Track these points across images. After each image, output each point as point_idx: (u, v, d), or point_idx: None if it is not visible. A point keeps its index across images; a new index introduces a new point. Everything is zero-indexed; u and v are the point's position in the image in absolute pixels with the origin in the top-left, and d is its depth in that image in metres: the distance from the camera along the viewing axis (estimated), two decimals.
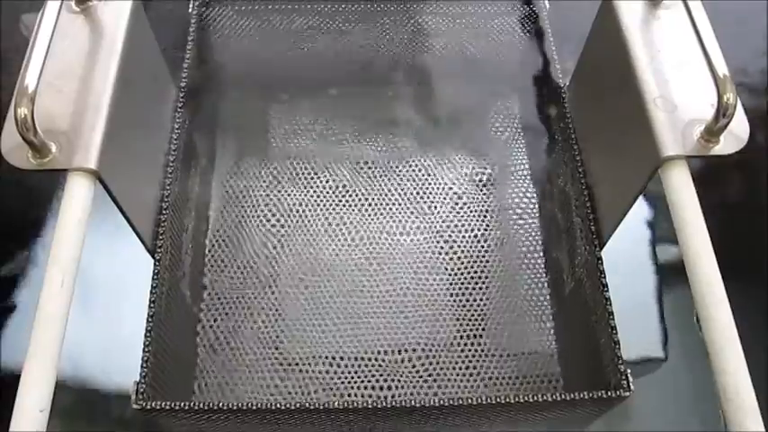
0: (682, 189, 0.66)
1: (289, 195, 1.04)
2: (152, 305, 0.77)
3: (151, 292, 0.77)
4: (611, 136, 0.82)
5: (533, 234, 1.02)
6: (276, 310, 0.96)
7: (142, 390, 0.72)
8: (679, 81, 0.71)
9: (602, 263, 0.82)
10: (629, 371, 0.75)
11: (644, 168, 0.71)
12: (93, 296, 1.00)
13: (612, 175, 0.82)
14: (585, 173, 0.88)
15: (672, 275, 1.11)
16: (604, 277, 0.81)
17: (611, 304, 0.79)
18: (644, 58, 0.73)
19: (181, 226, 0.89)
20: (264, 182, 1.06)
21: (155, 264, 0.80)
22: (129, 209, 0.73)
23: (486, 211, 1.04)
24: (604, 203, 0.83)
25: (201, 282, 0.96)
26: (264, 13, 1.08)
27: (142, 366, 0.73)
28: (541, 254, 1.01)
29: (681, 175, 0.67)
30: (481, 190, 1.05)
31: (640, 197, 0.77)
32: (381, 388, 0.91)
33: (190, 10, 1.01)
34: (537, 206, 1.03)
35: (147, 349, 0.74)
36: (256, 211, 1.03)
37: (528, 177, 1.05)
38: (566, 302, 0.93)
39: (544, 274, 0.99)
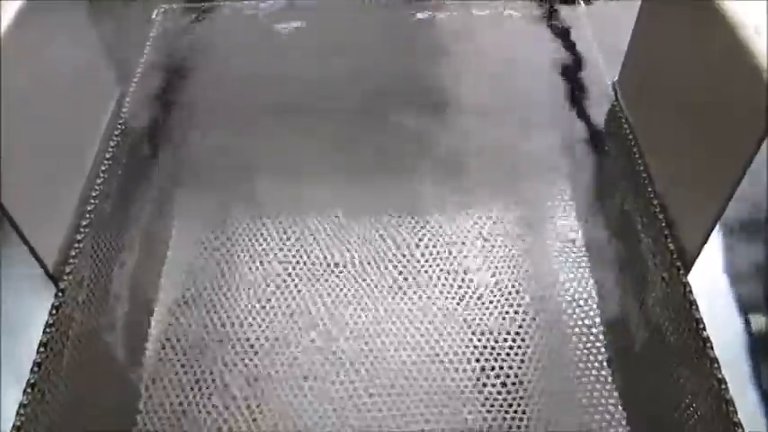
0: None
1: (269, 244, 0.82)
2: (42, 348, 0.53)
3: (44, 332, 0.54)
4: (686, 120, 0.60)
5: (584, 276, 0.77)
6: (251, 381, 0.70)
7: None
8: None
9: (691, 291, 0.57)
10: None
11: (749, 133, 0.48)
12: None
13: (693, 169, 0.59)
14: (652, 179, 0.65)
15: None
16: (697, 309, 0.56)
17: (712, 348, 0.53)
18: None
19: (110, 258, 0.67)
20: (240, 226, 0.83)
21: (56, 294, 0.57)
22: (24, 217, 0.52)
23: (520, 255, 0.79)
24: (684, 212, 0.60)
25: (144, 340, 0.72)
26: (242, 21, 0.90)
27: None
28: (596, 300, 0.75)
29: None
30: (513, 228, 0.81)
31: None
32: None
33: (153, 16, 0.85)
34: (583, 240, 0.78)
35: (23, 411, 0.50)
36: (232, 258, 0.80)
37: (570, 205, 0.81)
38: (637, 362, 0.67)
39: (602, 328, 0.73)
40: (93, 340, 0.62)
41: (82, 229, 0.61)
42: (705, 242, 0.57)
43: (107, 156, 0.68)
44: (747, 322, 0.81)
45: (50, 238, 0.58)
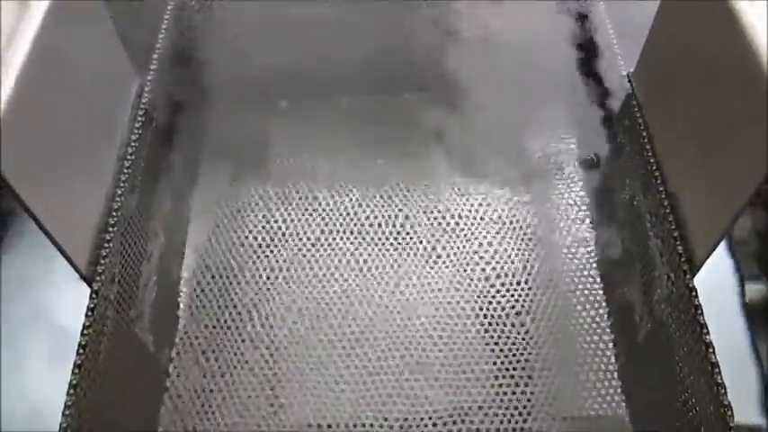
0: None
1: (287, 223, 0.84)
2: (81, 350, 0.56)
3: (82, 334, 0.57)
4: (703, 120, 0.61)
5: (590, 265, 0.80)
6: (270, 367, 0.74)
7: None
8: None
9: (696, 296, 0.59)
10: None
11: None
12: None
13: (708, 171, 0.60)
14: (664, 178, 0.67)
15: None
16: (701, 315, 0.58)
17: (714, 353, 0.56)
18: None
19: (138, 251, 0.70)
20: (257, 206, 0.86)
21: (91, 296, 0.60)
22: (53, 221, 0.54)
23: (530, 238, 0.82)
24: (696, 214, 0.62)
25: (171, 325, 0.76)
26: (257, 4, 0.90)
27: None
28: (601, 290, 0.78)
29: None
30: (523, 213, 0.84)
31: None
32: None
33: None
34: (594, 229, 0.81)
35: (68, 412, 0.54)
36: (249, 240, 0.83)
37: (581, 194, 0.84)
38: (640, 351, 0.70)
39: (607, 316, 0.76)
40: (125, 332, 0.65)
41: (111, 228, 0.63)
42: (715, 247, 0.59)
43: (130, 150, 0.69)
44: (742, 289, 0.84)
45: (80, 239, 0.60)
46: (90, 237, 0.61)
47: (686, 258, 0.61)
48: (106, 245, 0.62)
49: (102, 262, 0.61)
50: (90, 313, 0.58)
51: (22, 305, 0.76)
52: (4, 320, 0.76)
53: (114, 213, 0.64)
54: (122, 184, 0.67)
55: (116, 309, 0.63)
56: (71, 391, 0.54)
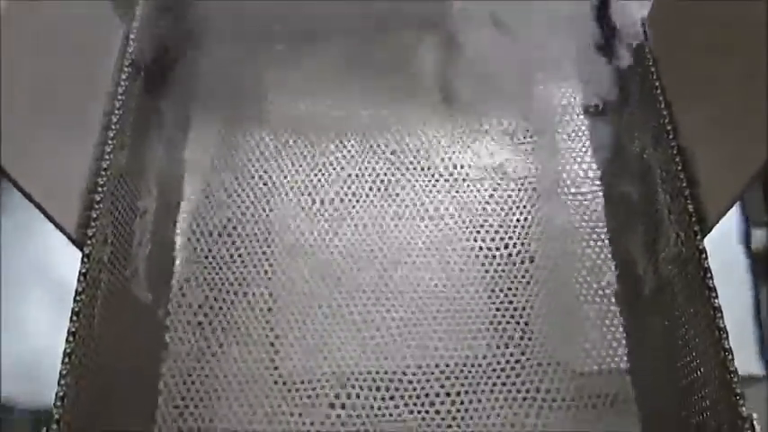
0: None
1: (285, 173, 0.82)
2: (75, 317, 0.55)
3: (75, 300, 0.56)
4: (719, 71, 0.58)
5: (594, 217, 0.78)
6: (271, 318, 0.73)
7: None
8: None
9: (706, 257, 0.58)
10: (754, 417, 0.51)
11: None
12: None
13: (724, 126, 0.57)
14: (677, 131, 0.64)
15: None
16: (711, 278, 0.57)
17: (722, 317, 0.55)
18: None
19: (131, 209, 0.68)
20: (254, 156, 0.83)
21: (83, 260, 0.58)
22: (36, 184, 0.51)
23: (534, 188, 0.80)
24: (709, 172, 0.59)
25: (168, 280, 0.75)
26: None
27: (56, 405, 0.52)
28: (606, 242, 0.76)
29: None
30: (526, 162, 0.81)
31: None
32: (401, 415, 0.68)
33: None
34: (600, 181, 0.78)
35: (63, 381, 0.53)
36: (245, 192, 0.80)
37: (587, 144, 0.81)
38: (643, 308, 0.69)
39: (611, 269, 0.75)
40: (120, 292, 0.64)
41: (100, 189, 0.61)
42: (728, 209, 0.57)
43: (117, 103, 0.66)
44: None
45: (68, 202, 0.58)
46: (78, 198, 0.59)
47: (697, 219, 0.59)
48: (96, 206, 0.60)
49: (93, 224, 0.59)
50: (82, 278, 0.56)
51: (23, 252, 0.75)
52: (5, 265, 0.75)
53: (103, 173, 0.62)
54: (111, 141, 0.64)
55: (110, 270, 0.61)
56: (66, 360, 0.53)
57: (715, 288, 0.56)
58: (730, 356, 0.53)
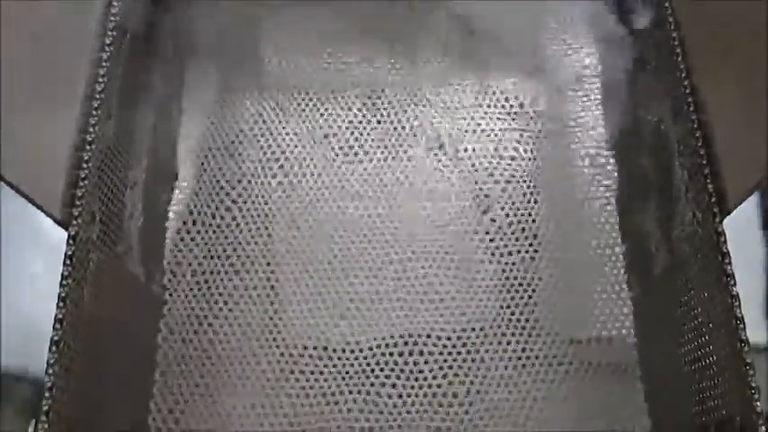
0: None
1: (284, 136, 0.78)
2: (62, 303, 0.52)
3: (61, 284, 0.53)
4: (754, 36, 0.53)
5: (605, 187, 0.74)
6: (271, 288, 0.71)
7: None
8: None
9: (725, 241, 0.55)
10: None
11: None
12: None
13: (753, 97, 0.53)
14: (698, 103, 0.60)
15: None
16: (729, 263, 0.54)
17: (739, 306, 0.52)
18: None
19: (120, 182, 0.64)
20: (251, 120, 0.79)
21: (68, 242, 0.55)
22: (13, 163, 0.48)
23: (540, 154, 0.76)
24: (733, 148, 0.55)
25: (162, 252, 0.72)
26: None
27: (45, 396, 0.50)
28: (618, 215, 0.73)
29: None
30: (533, 127, 0.77)
31: None
32: (404, 388, 0.67)
33: None
34: (613, 152, 0.75)
35: (51, 370, 0.51)
36: (242, 157, 0.77)
37: (599, 112, 0.76)
38: (654, 283, 0.67)
39: (620, 240, 0.72)
40: (112, 270, 0.61)
41: (85, 164, 0.58)
42: (752, 191, 0.53)
43: (102, 70, 0.62)
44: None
45: (50, 180, 0.55)
46: (61, 176, 0.56)
47: (717, 199, 0.56)
48: (81, 183, 0.57)
49: (79, 203, 0.56)
50: (69, 261, 0.54)
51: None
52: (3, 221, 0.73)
53: (88, 146, 0.58)
54: (95, 112, 0.60)
55: (100, 249, 0.59)
56: (53, 348, 0.50)
57: (733, 275, 0.53)
58: (746, 348, 0.51)
